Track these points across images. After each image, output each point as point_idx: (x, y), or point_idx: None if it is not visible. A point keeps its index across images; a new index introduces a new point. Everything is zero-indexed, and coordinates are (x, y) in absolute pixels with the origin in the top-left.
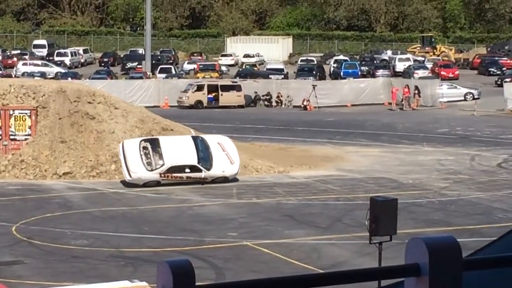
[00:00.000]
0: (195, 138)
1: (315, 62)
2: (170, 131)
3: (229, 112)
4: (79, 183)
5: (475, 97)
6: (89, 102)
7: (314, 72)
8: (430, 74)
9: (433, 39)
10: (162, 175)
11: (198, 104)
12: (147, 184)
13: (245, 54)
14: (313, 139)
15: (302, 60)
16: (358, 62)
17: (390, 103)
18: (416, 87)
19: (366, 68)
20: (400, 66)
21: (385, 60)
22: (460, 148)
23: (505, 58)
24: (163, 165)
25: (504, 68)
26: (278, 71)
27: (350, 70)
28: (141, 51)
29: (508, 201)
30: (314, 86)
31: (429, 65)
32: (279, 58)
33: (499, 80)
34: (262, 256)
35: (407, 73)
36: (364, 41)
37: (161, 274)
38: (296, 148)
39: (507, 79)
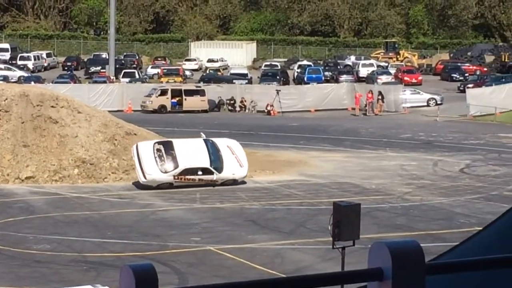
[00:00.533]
0: (206, 141)
1: (279, 67)
2: (134, 136)
3: (192, 117)
4: (41, 188)
5: (438, 102)
6: (52, 106)
7: (278, 77)
8: (393, 80)
9: (396, 45)
10: (176, 177)
11: (161, 109)
12: (160, 186)
13: (209, 59)
14: (277, 144)
15: (266, 65)
16: (322, 67)
17: (353, 109)
18: (380, 93)
19: (330, 73)
20: (363, 72)
21: (348, 65)
22: (423, 153)
23: (468, 64)
24: (177, 167)
25: (466, 74)
26: (242, 76)
27: (314, 75)
28: (104, 55)
29: (470, 206)
30: (278, 91)
31: (392, 70)
32: (243, 63)
33: (462, 86)
34: (226, 261)
35: (370, 79)
36: (328, 47)
37: (123, 278)
38: (260, 153)
39: (470, 85)
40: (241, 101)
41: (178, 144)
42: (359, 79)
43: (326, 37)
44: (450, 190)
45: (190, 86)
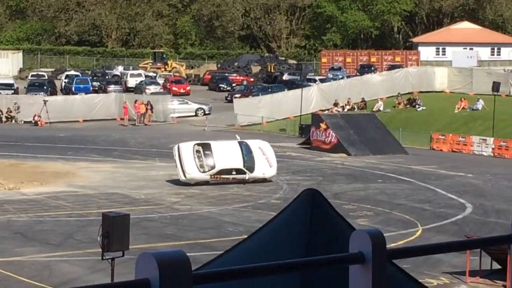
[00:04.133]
0: (240, 143)
1: (46, 77)
2: None
3: None
4: None
5: (206, 112)
6: None
7: (45, 87)
8: (161, 90)
9: (164, 55)
10: (212, 177)
11: None
12: (198, 183)
13: None
14: (44, 155)
15: (32, 75)
16: (90, 78)
17: (122, 119)
18: (148, 103)
19: (98, 83)
20: (132, 82)
21: (117, 75)
22: None
23: (235, 74)
24: (214, 167)
25: (233, 84)
26: (8, 86)
27: (81, 86)
28: None
29: (238, 215)
30: (45, 101)
31: (160, 80)
32: (9, 73)
33: (229, 96)
34: None
35: (139, 89)
36: (96, 56)
37: None
38: (27, 164)
39: (237, 95)
40: (7, 112)
41: (216, 146)
42: (128, 89)
43: (94, 47)
44: (218, 199)
45: None
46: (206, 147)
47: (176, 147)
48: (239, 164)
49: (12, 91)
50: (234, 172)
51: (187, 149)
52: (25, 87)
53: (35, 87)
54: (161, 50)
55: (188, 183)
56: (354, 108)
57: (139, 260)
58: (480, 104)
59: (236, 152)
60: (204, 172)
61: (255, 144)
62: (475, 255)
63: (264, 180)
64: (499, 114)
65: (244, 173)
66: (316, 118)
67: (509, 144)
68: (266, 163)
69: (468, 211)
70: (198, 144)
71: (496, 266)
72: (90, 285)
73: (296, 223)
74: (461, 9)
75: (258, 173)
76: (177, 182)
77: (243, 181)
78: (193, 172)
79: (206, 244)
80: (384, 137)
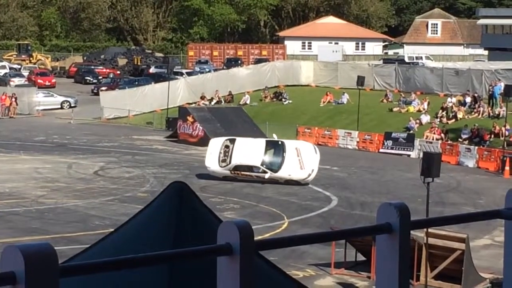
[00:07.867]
0: (270, 142)
1: None
2: None
3: None
4: None
5: (72, 105)
6: None
7: None
8: (26, 82)
9: (29, 47)
10: (232, 172)
11: None
12: (225, 178)
13: None
14: None
15: None
16: None
17: None
18: (13, 95)
19: None
20: None
21: None
22: (57, 156)
23: (101, 67)
24: (230, 163)
25: (100, 77)
26: None
27: None
28: None
29: (104, 208)
30: None
31: (25, 73)
32: None
33: (96, 88)
34: None
35: (3, 81)
36: None
37: None
38: None
39: (103, 88)
40: None
41: (239, 142)
42: None
43: None
44: (85, 192)
45: None
46: (233, 143)
47: (210, 141)
48: (256, 162)
49: None
50: (255, 170)
51: (215, 143)
52: None
53: None
54: (26, 42)
55: (215, 176)
56: (221, 102)
57: (4, 254)
58: (345, 98)
59: (259, 150)
60: (223, 167)
61: (292, 144)
62: (340, 247)
63: (297, 183)
64: (363, 108)
65: (264, 172)
66: (183, 111)
67: (373, 137)
68: (297, 164)
69: (334, 204)
70: (229, 140)
71: (361, 257)
72: None
73: (164, 215)
74: (326, 4)
75: (283, 173)
76: (43, 176)
77: (265, 180)
78: (212, 165)
79: (72, 238)
80: (251, 131)
